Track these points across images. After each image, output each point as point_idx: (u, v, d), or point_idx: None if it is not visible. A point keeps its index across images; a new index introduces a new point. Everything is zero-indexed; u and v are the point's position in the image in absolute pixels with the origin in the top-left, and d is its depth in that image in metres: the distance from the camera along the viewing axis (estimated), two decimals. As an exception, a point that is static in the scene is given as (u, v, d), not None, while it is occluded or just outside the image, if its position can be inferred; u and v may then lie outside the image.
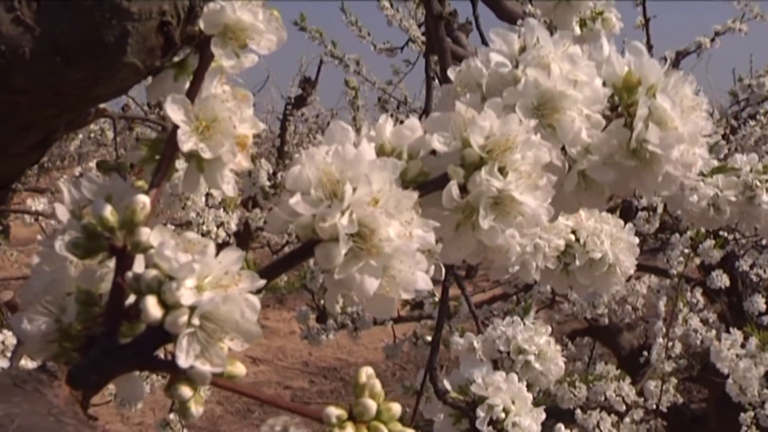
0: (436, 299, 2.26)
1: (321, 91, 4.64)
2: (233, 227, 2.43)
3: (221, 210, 2.36)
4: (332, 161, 0.43)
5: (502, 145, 0.46)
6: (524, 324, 1.00)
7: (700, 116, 0.52)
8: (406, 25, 3.34)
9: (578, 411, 2.46)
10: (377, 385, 0.44)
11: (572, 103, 0.49)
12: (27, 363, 1.10)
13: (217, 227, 2.33)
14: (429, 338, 2.85)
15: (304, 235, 0.43)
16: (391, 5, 3.26)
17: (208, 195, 2.25)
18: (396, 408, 0.43)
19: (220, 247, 0.43)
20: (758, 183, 0.97)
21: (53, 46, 0.47)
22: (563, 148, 0.50)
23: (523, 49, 0.51)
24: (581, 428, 2.50)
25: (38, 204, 2.49)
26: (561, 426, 1.03)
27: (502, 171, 0.46)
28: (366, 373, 0.44)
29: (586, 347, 3.29)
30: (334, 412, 0.42)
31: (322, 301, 2.83)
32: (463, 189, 0.46)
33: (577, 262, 0.77)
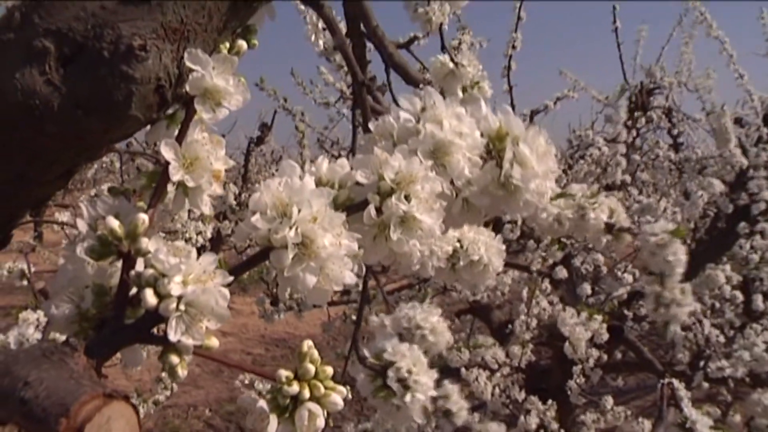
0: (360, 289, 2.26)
1: (275, 133, 4.58)
2: (209, 235, 2.40)
3: (200, 222, 2.33)
4: (283, 189, 0.43)
5: (407, 179, 0.46)
6: (422, 307, 1.01)
7: (550, 159, 0.53)
8: (339, 87, 3.34)
9: (463, 369, 2.49)
10: (315, 353, 0.44)
11: (458, 148, 0.49)
12: (57, 337, 1.07)
13: (197, 235, 2.30)
14: (354, 317, 2.84)
15: (262, 244, 0.43)
16: (328, 72, 3.25)
17: (190, 211, 2.22)
18: (329, 370, 0.44)
19: (199, 250, 0.43)
20: (587, 204, 1.00)
21: (76, 102, 0.46)
22: (452, 182, 0.51)
23: (423, 109, 0.52)
24: (465, 381, 2.53)
25: (63, 216, 2.41)
26: (447, 382, 1.04)
27: (407, 198, 0.46)
28: (307, 344, 0.44)
29: (468, 322, 3.32)
30: (284, 373, 0.42)
31: (275, 290, 2.80)
32: (379, 211, 0.46)
33: (461, 263, 0.77)
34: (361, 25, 0.97)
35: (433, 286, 2.91)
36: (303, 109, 3.61)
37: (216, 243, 3.87)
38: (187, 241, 2.18)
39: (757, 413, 2.21)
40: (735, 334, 2.81)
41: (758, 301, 3.12)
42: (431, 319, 0.97)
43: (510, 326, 2.85)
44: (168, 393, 2.62)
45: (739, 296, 3.02)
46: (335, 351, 3.18)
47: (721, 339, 2.79)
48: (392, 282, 3.05)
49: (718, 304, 3.20)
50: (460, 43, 1.99)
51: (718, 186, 2.80)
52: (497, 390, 2.58)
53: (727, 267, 2.77)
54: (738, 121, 3.16)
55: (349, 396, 0.46)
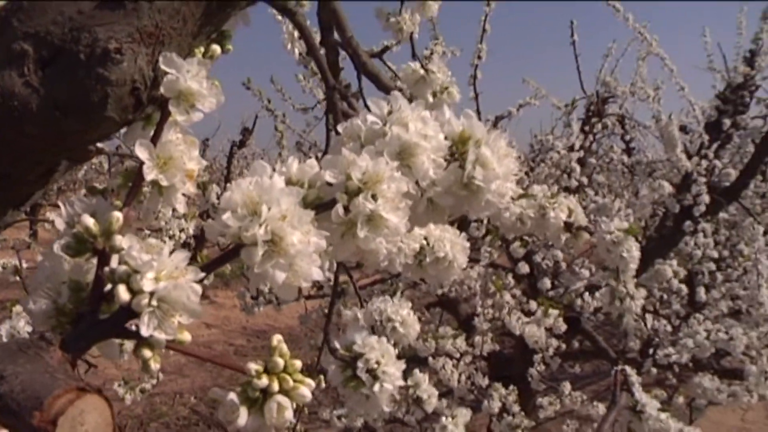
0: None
1: (256, 137, 4.54)
2: (191, 232, 2.36)
3: (183, 220, 2.29)
4: (253, 188, 0.42)
5: (374, 179, 0.45)
6: (393, 301, 1.00)
7: (511, 161, 0.52)
8: (315, 92, 3.31)
9: (430, 358, 2.49)
10: (284, 347, 0.43)
11: (423, 150, 0.48)
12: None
13: (180, 232, 2.26)
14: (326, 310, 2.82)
15: (233, 241, 0.42)
16: (305, 78, 3.22)
17: (174, 210, 2.19)
18: (298, 364, 0.42)
19: (184, 246, 0.42)
20: (548, 204, 1.00)
21: (54, 103, 0.44)
22: (417, 182, 0.50)
23: (390, 113, 0.51)
24: (432, 369, 2.53)
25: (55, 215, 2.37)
26: (417, 371, 1.03)
27: (374, 197, 0.45)
28: (276, 338, 0.43)
29: (437, 314, 3.32)
30: (254, 366, 0.41)
31: (255, 284, 2.77)
32: (347, 209, 0.45)
33: (428, 259, 0.77)
34: (336, 34, 0.96)
35: (404, 280, 2.90)
36: (284, 113, 3.59)
37: (200, 240, 3.83)
38: (170, 237, 2.15)
39: (698, 395, 2.25)
40: (680, 323, 2.86)
41: (701, 293, 3.17)
42: (401, 312, 0.97)
43: (476, 318, 2.85)
44: (154, 382, 2.59)
45: (685, 289, 3.08)
46: (311, 342, 3.15)
47: (668, 328, 2.83)
48: (366, 277, 3.03)
49: (665, 296, 3.26)
50: (432, 53, 1.98)
51: (667, 187, 2.84)
52: (463, 377, 2.58)
53: (674, 262, 2.81)
54: (683, 129, 3.20)
55: (323, 384, 0.45)
